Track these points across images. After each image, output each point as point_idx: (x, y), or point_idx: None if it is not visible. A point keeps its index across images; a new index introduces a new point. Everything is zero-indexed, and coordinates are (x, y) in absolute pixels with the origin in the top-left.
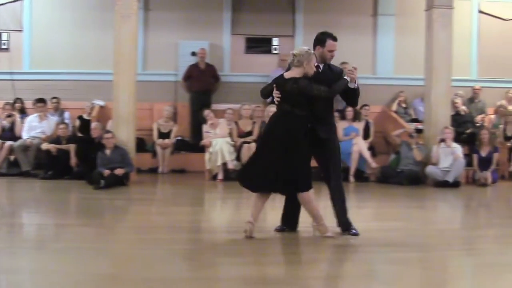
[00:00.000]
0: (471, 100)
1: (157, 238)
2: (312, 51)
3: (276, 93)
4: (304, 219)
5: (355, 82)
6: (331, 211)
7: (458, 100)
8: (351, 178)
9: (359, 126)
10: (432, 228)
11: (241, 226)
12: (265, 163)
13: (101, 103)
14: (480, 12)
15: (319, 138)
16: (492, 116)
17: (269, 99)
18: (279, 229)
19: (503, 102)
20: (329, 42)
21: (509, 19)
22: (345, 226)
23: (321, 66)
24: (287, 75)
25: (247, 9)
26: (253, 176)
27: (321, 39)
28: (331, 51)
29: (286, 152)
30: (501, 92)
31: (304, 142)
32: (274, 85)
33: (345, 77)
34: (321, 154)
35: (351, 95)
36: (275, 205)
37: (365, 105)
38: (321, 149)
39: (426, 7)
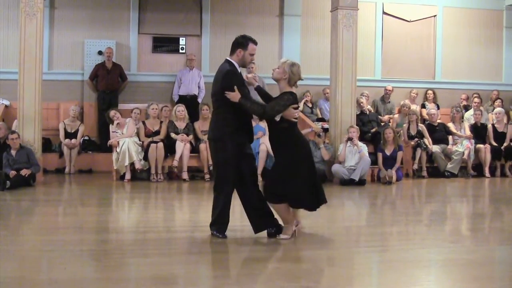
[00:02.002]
0: (382, 101)
1: (64, 239)
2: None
3: (298, 111)
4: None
5: None
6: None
7: (364, 100)
8: (259, 177)
9: (266, 125)
10: (339, 225)
11: (149, 226)
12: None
13: (6, 102)
14: (384, 13)
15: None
16: (396, 116)
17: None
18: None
19: (407, 101)
20: (251, 46)
21: (412, 21)
22: (214, 227)
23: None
24: (294, 90)
25: (154, 9)
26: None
27: (243, 43)
28: (252, 54)
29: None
30: (405, 92)
31: None
32: (294, 104)
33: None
34: None
35: None
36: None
37: None
38: None
39: (332, 8)
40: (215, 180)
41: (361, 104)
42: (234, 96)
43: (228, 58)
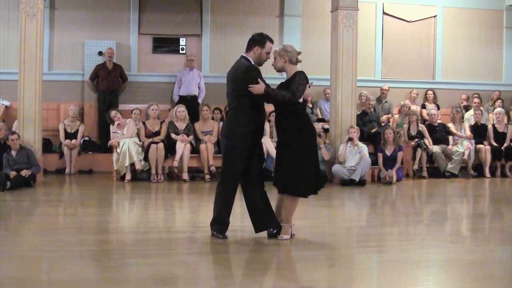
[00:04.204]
0: (379, 100)
1: (64, 240)
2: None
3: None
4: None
5: None
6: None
7: (373, 102)
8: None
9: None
10: (339, 226)
11: (149, 226)
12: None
13: (7, 103)
14: (384, 13)
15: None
16: (396, 116)
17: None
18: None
19: (407, 102)
20: (268, 44)
21: (412, 21)
22: (215, 227)
23: None
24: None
25: (154, 9)
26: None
27: (260, 40)
28: (268, 53)
29: None
30: (405, 92)
31: None
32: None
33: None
34: None
35: None
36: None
37: None
38: None
39: (332, 9)
40: (221, 176)
41: (371, 104)
42: (259, 87)
43: (244, 55)
